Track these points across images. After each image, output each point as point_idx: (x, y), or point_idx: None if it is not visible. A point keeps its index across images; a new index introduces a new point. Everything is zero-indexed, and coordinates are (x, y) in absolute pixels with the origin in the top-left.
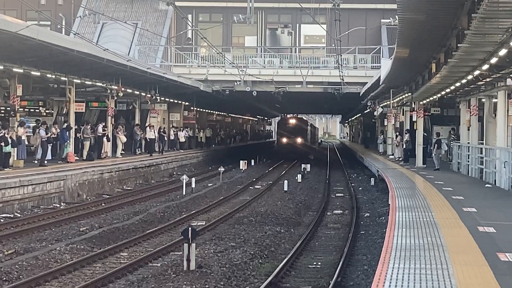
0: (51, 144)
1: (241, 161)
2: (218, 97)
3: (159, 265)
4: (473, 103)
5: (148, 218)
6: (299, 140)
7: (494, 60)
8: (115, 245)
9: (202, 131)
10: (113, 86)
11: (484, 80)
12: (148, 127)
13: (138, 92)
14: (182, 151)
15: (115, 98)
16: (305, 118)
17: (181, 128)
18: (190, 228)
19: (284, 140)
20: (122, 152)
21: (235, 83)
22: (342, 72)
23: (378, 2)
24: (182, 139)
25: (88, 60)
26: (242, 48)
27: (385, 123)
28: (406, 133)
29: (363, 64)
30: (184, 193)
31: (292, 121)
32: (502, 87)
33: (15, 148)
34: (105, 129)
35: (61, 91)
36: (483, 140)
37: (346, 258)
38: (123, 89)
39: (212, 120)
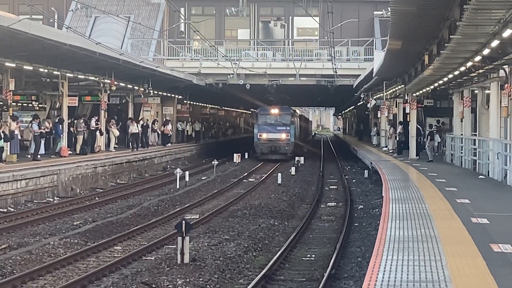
0: (44, 139)
1: (234, 154)
2: (211, 90)
3: (153, 258)
4: (466, 94)
5: (141, 212)
6: (283, 136)
7: (486, 52)
8: (109, 239)
9: (189, 124)
10: (106, 80)
11: (476, 72)
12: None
13: (131, 86)
14: (169, 144)
15: (108, 92)
16: (294, 109)
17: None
18: (184, 222)
19: (264, 136)
20: (116, 146)
21: (228, 76)
22: (335, 65)
23: None
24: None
25: (80, 54)
26: (235, 41)
27: (379, 115)
28: (399, 125)
29: (356, 56)
30: (177, 187)
31: (275, 111)
32: (495, 78)
33: (8, 143)
34: (98, 123)
35: (54, 85)
36: (476, 132)
37: (340, 250)
38: (116, 83)
39: (205, 113)
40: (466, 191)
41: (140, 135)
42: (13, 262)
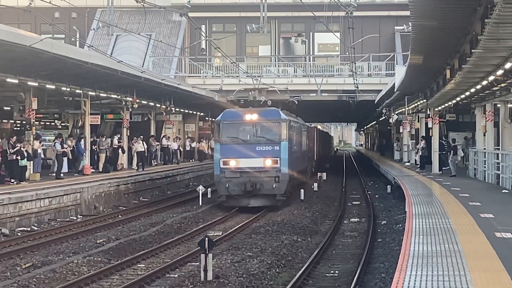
0: (67, 157)
1: None
2: (233, 107)
3: (176, 276)
4: (488, 108)
5: (164, 229)
6: (268, 162)
7: (508, 65)
8: (132, 257)
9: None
10: (128, 98)
11: (498, 86)
12: (136, 139)
13: (153, 104)
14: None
15: (130, 110)
16: (288, 114)
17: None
18: (207, 239)
19: (232, 164)
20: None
21: (250, 93)
22: (356, 80)
23: (391, 9)
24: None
25: (102, 72)
26: (256, 58)
27: (401, 130)
28: (421, 140)
29: (378, 71)
30: (200, 204)
31: (251, 118)
32: None
33: (31, 162)
34: (121, 141)
35: (76, 104)
36: (499, 146)
37: (363, 266)
38: (137, 100)
39: None
40: (489, 205)
41: (146, 154)
42: (37, 280)
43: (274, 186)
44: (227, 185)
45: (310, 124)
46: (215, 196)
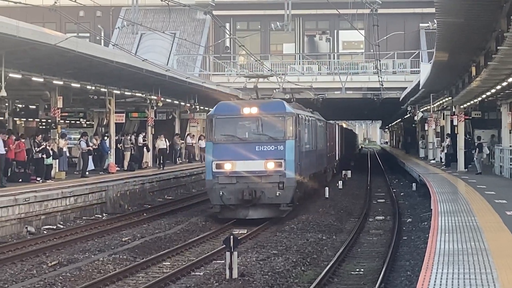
0: (92, 155)
1: None
2: None
3: (201, 274)
4: None
5: (189, 227)
6: (270, 165)
7: None
8: (158, 255)
9: None
10: (152, 96)
11: None
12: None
13: (177, 102)
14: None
15: (155, 108)
16: (310, 111)
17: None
18: (232, 237)
19: (227, 167)
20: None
21: (274, 91)
22: (381, 78)
23: (416, 7)
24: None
25: (127, 71)
26: (281, 56)
27: (426, 128)
28: (447, 138)
29: (402, 69)
30: None
31: (250, 111)
32: None
33: (57, 160)
34: (145, 139)
35: (101, 102)
36: None
37: (389, 264)
38: (162, 99)
39: None
40: None
41: (168, 151)
42: (63, 278)
43: (277, 194)
44: (221, 193)
45: (334, 122)
46: None
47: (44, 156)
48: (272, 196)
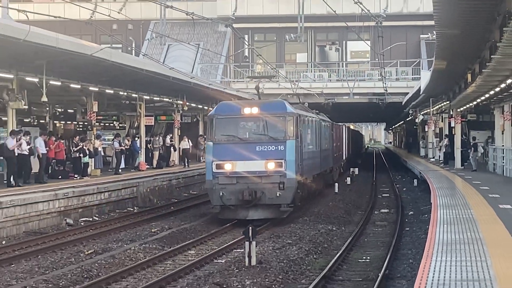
0: (124, 155)
1: None
2: None
3: (223, 261)
4: (506, 109)
5: (213, 220)
6: (270, 165)
7: None
8: (183, 244)
9: None
10: (178, 101)
11: None
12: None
13: (201, 106)
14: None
15: (181, 111)
16: (315, 112)
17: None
18: (250, 228)
19: (228, 167)
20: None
21: (288, 96)
22: (385, 84)
23: (417, 20)
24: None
25: (156, 78)
26: (294, 64)
27: (426, 129)
28: (445, 138)
29: (405, 76)
30: None
31: (250, 111)
32: None
33: (93, 159)
34: (172, 140)
35: (132, 107)
36: None
37: (393, 253)
38: (187, 103)
39: None
40: (508, 197)
41: (190, 151)
42: (98, 266)
43: (278, 195)
44: (221, 194)
45: (343, 124)
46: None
47: (81, 155)
48: (273, 196)
